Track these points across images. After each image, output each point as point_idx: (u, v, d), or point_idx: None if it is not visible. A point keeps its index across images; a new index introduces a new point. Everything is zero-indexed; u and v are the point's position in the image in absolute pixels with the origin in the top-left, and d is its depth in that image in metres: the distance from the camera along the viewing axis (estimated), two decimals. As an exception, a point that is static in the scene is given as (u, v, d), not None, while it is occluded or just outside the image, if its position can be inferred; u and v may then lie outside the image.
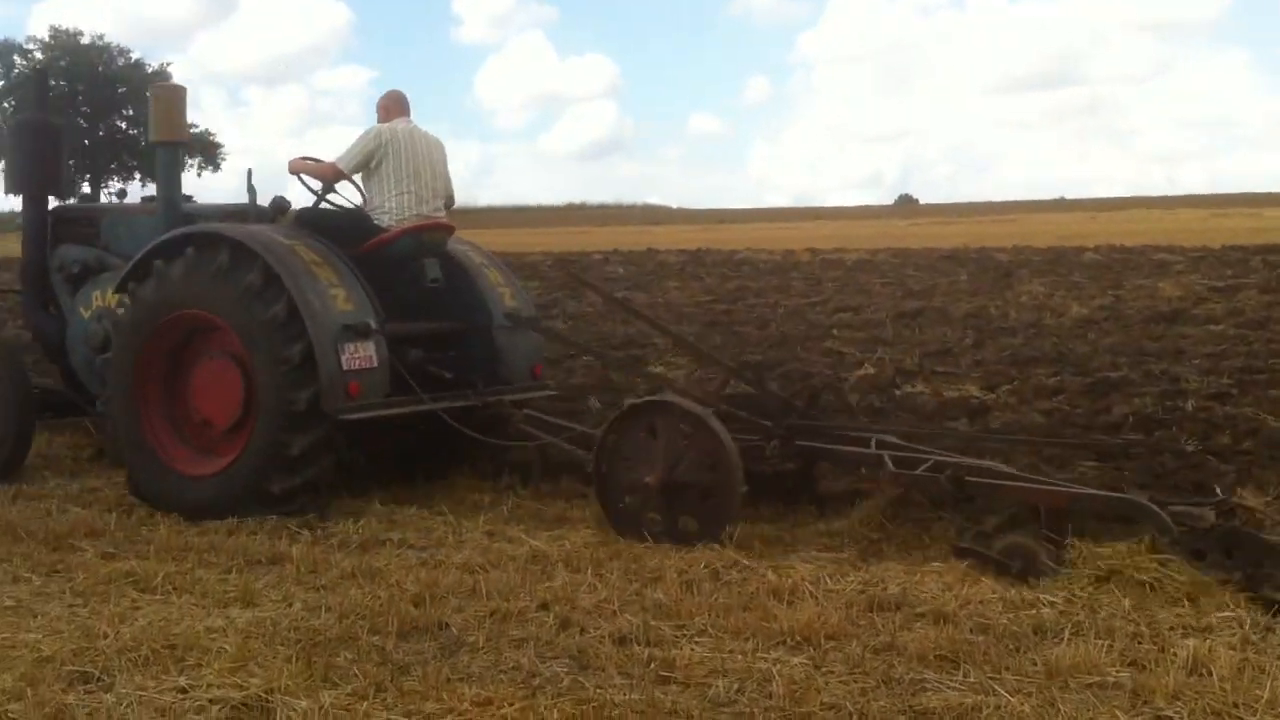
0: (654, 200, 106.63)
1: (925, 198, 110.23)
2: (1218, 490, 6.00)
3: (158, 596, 5.18)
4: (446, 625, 4.77)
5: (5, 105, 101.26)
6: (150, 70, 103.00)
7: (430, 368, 7.29)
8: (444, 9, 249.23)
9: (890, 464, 5.94)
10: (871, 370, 10.63)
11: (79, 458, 8.24)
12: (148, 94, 7.93)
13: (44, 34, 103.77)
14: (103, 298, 7.72)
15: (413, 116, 7.74)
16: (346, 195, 7.66)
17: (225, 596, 5.15)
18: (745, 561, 5.51)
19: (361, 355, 6.58)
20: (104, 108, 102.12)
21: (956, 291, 18.36)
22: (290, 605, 5.02)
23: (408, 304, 7.49)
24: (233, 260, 6.66)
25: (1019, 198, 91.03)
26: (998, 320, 14.61)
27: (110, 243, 7.91)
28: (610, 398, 9.35)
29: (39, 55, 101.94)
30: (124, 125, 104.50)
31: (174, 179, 7.90)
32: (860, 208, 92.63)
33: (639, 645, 4.53)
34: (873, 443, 6.26)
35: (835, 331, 13.78)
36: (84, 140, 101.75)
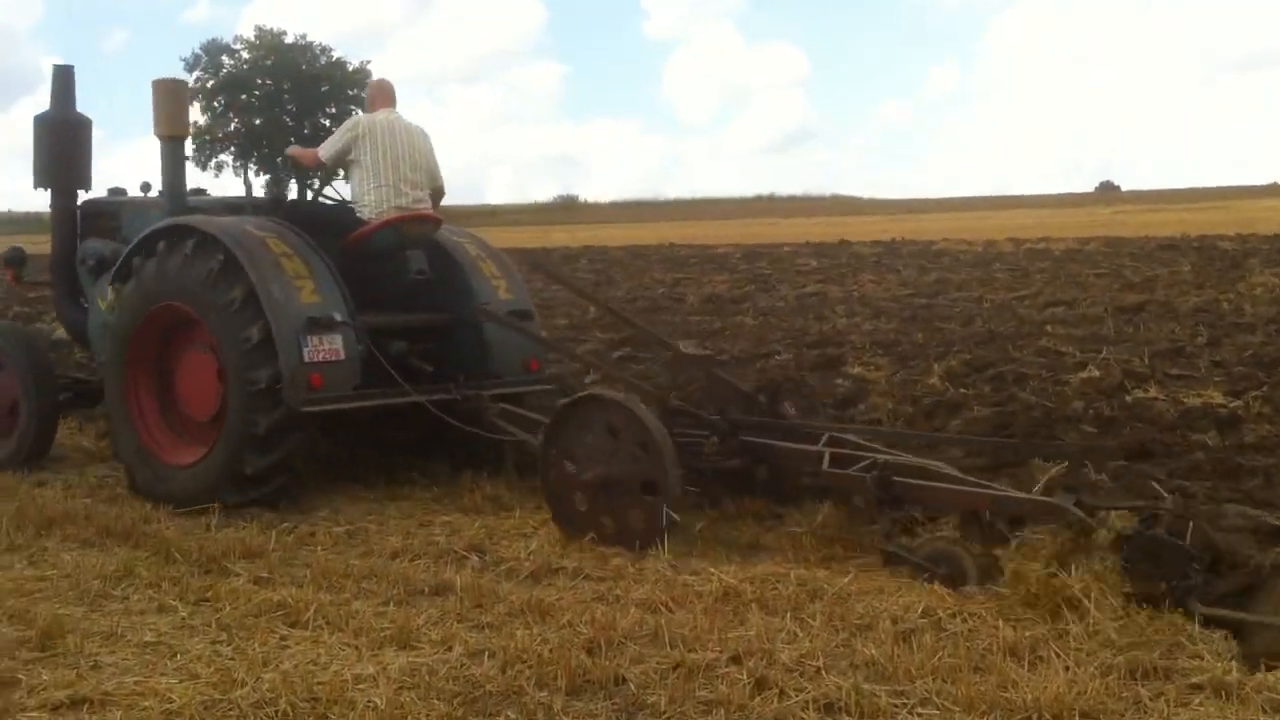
0: (844, 191, 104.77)
1: (1126, 184, 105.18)
2: (1163, 494, 5.69)
3: (308, 633, 4.67)
4: (623, 680, 4.13)
5: (215, 105, 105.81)
6: (351, 68, 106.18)
7: (412, 360, 7.22)
8: (633, 3, 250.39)
9: (826, 463, 5.72)
10: (1096, 373, 9.57)
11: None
12: (150, 87, 7.88)
13: (250, 34, 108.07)
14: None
15: (398, 107, 7.75)
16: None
17: (380, 635, 4.61)
18: (971, 610, 4.70)
19: (326, 348, 6.58)
20: (308, 105, 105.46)
21: (1180, 283, 16.94)
22: (450, 649, 4.44)
23: (395, 296, 7.52)
24: (199, 251, 6.75)
25: (1228, 183, 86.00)
26: (1231, 315, 13.26)
27: (129, 235, 7.73)
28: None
29: (245, 55, 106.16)
30: (326, 123, 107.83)
31: (178, 172, 7.90)
32: (1059, 195, 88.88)
33: (849, 716, 3.83)
34: (822, 440, 6.01)
35: (1049, 328, 12.66)
36: (290, 138, 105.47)
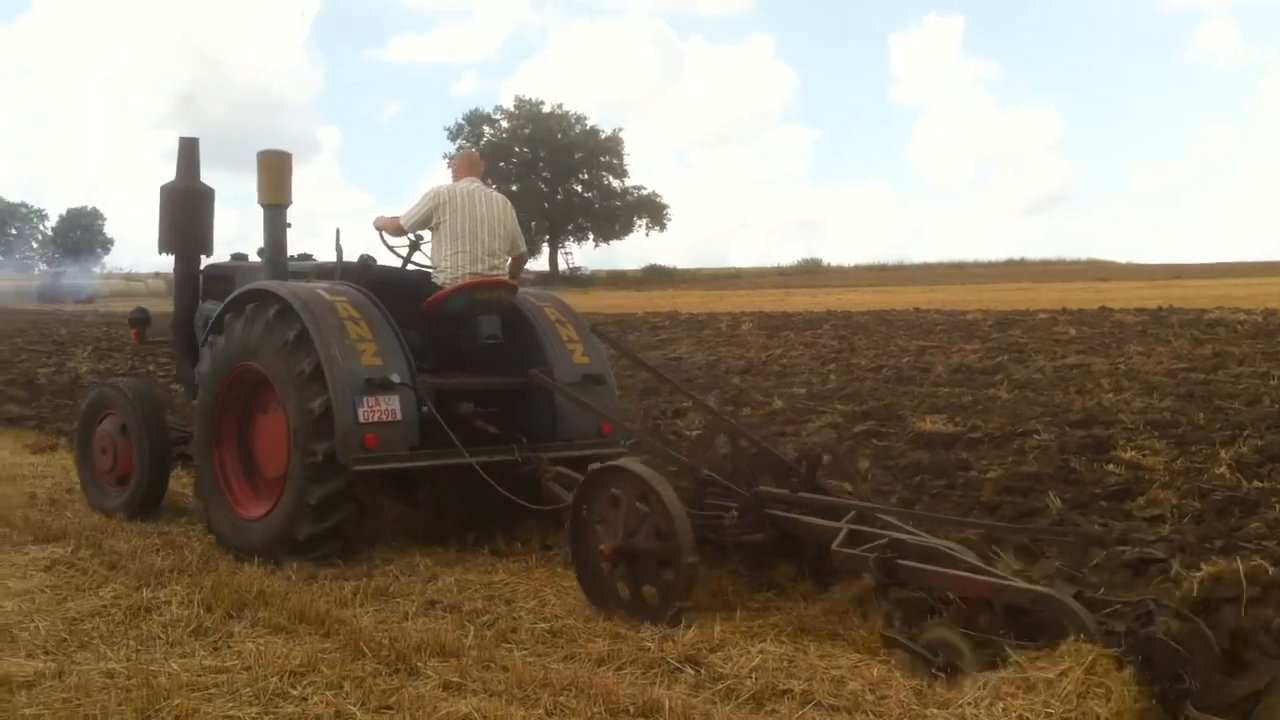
0: (1100, 255, 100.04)
1: None
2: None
3: (493, 757, 4.08)
4: None
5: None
6: (603, 136, 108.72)
7: (477, 422, 7.32)
8: (883, 68, 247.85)
9: (843, 539, 5.54)
10: None
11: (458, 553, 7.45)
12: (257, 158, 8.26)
13: (510, 104, 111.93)
14: None
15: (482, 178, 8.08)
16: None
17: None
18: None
19: (382, 409, 6.77)
20: (561, 172, 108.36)
21: None
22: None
23: (469, 359, 7.78)
24: (276, 316, 7.07)
25: None
26: None
27: None
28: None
29: (505, 124, 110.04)
30: (579, 189, 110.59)
31: (279, 238, 8.27)
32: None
33: None
34: (847, 516, 5.83)
35: (1355, 411, 11.19)
36: (543, 203, 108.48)
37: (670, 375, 8.57)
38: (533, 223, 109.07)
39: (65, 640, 5.43)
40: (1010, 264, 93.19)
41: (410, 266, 8.20)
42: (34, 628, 5.58)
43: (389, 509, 7.99)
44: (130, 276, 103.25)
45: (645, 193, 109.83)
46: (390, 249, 8.18)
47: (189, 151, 8.79)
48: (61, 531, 7.59)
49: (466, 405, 7.35)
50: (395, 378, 6.88)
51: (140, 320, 9.35)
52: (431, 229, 7.78)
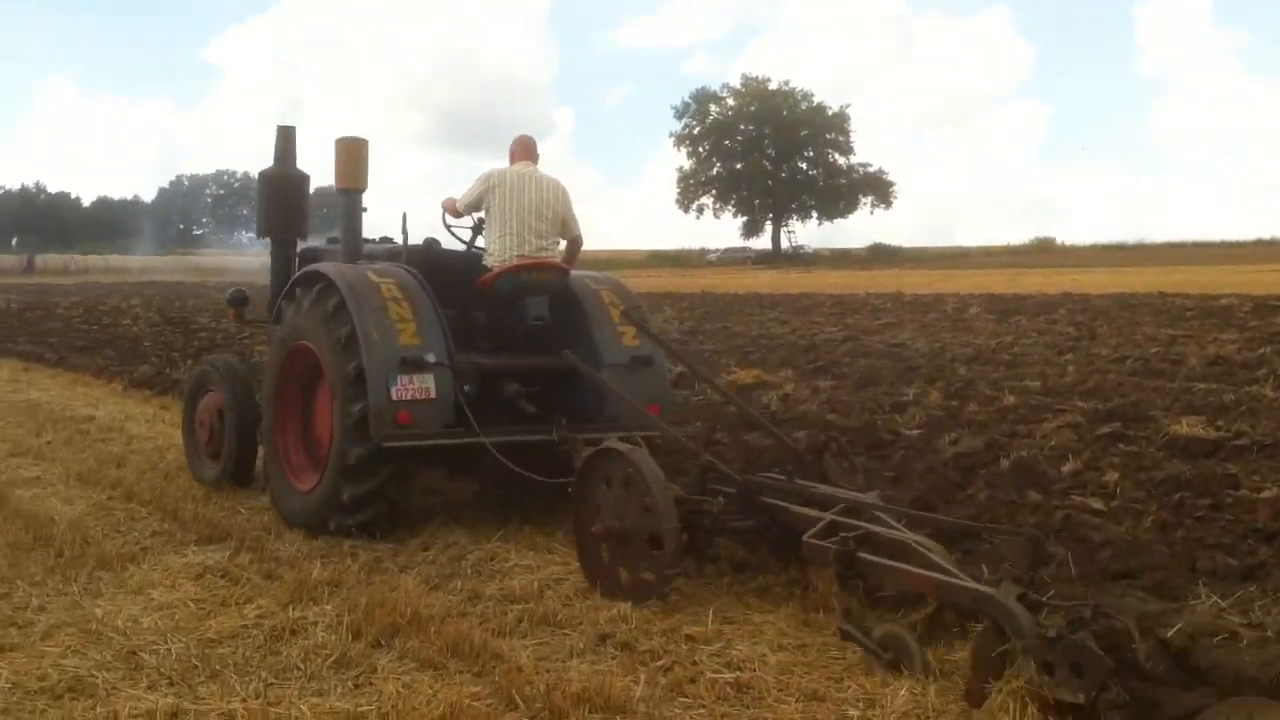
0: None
1: None
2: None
3: None
4: None
5: (700, 150, 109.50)
6: (830, 113, 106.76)
7: (520, 402, 7.54)
8: (1126, 39, 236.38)
9: (820, 530, 5.52)
10: None
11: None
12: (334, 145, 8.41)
13: (737, 82, 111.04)
14: None
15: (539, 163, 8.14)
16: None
17: None
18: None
19: (416, 387, 6.95)
20: (786, 150, 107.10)
21: None
22: None
23: (519, 340, 7.91)
24: (322, 294, 7.39)
25: None
26: None
27: None
28: None
29: (731, 102, 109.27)
30: (804, 166, 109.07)
31: (354, 222, 8.45)
32: None
33: None
34: (837, 508, 5.81)
35: None
36: (767, 181, 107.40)
37: (687, 358, 8.67)
38: (756, 201, 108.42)
39: (194, 669, 4.86)
40: (1260, 244, 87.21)
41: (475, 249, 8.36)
42: (165, 651, 5.04)
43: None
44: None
45: (871, 170, 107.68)
46: (451, 232, 8.47)
47: (286, 139, 9.06)
48: (226, 531, 7.15)
49: (512, 385, 7.57)
50: (430, 357, 7.05)
51: (239, 301, 9.50)
52: (485, 212, 7.96)
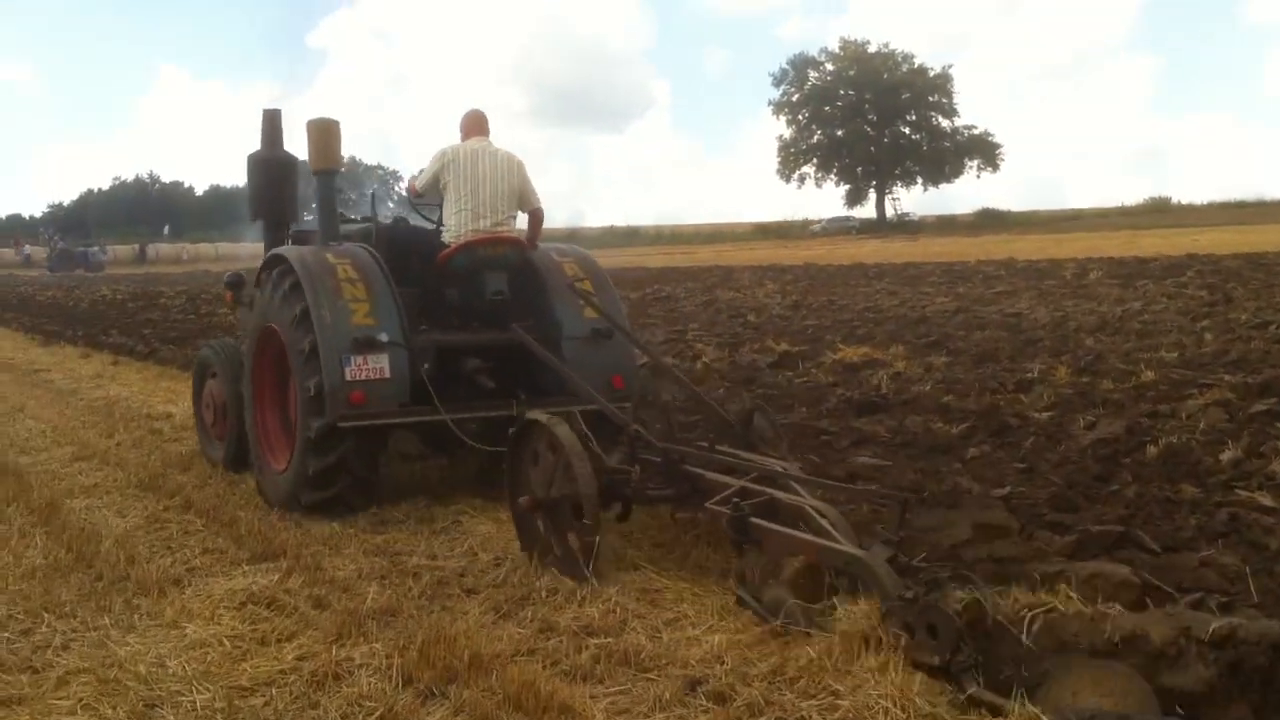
0: None
1: None
2: None
3: None
4: None
5: (800, 117, 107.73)
6: (932, 74, 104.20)
7: (479, 378, 7.57)
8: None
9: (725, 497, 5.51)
10: None
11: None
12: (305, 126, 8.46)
13: (834, 46, 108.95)
14: None
15: (492, 136, 8.20)
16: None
17: None
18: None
19: (370, 367, 7.02)
20: (888, 114, 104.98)
21: None
22: None
23: (480, 316, 7.97)
24: (281, 276, 7.55)
25: None
26: None
27: None
28: None
29: (829, 67, 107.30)
30: (907, 130, 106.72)
31: (329, 203, 8.55)
32: None
33: None
34: (751, 475, 5.81)
35: None
36: (869, 147, 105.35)
37: (622, 324, 8.02)
38: (859, 169, 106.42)
39: (217, 728, 4.20)
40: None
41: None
42: (189, 704, 4.36)
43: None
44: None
45: (976, 132, 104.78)
46: (418, 211, 8.60)
47: (272, 122, 9.13)
48: (282, 548, 6.46)
49: (473, 361, 7.61)
50: (383, 337, 7.09)
51: (235, 283, 9.65)
52: (441, 190, 7.94)
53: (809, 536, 5.00)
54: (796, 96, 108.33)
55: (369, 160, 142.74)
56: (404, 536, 6.77)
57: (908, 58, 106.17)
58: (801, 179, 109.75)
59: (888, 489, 5.99)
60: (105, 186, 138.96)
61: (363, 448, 7.12)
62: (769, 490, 5.56)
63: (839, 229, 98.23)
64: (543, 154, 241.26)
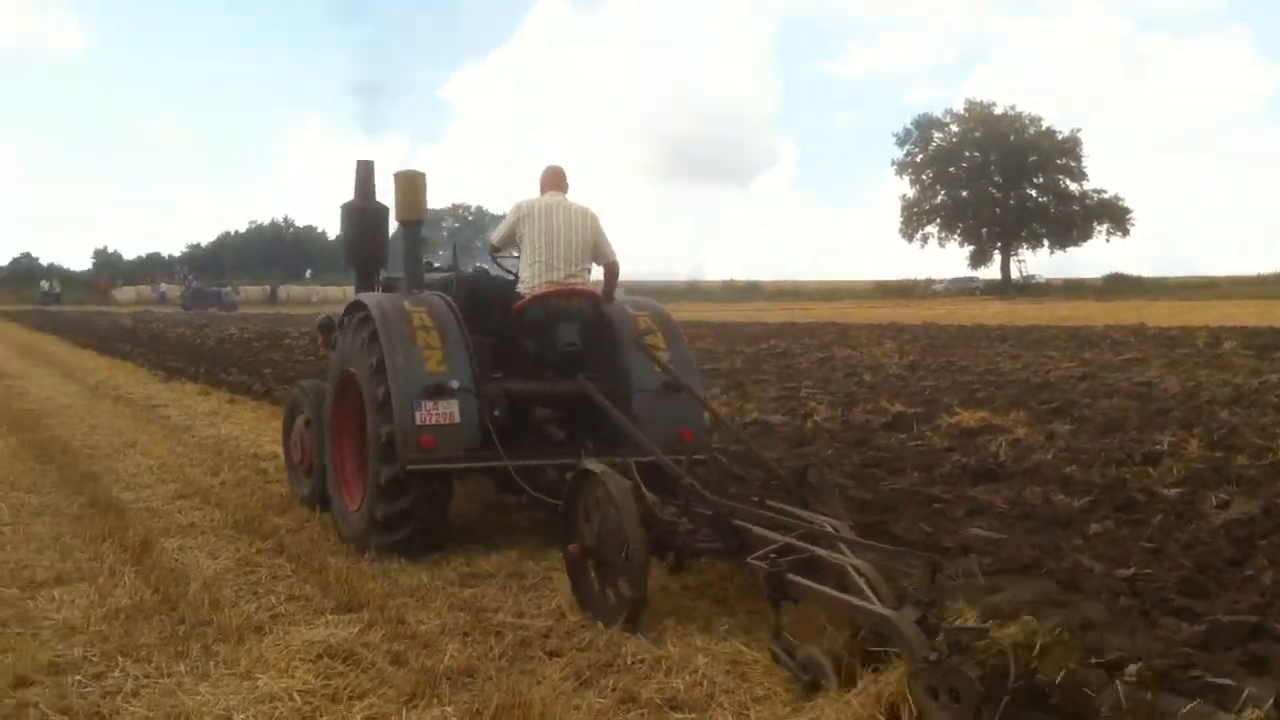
0: None
1: None
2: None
3: None
4: None
5: (924, 178, 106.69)
6: (1060, 137, 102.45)
7: (550, 428, 7.99)
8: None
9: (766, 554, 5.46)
10: None
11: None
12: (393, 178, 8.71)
13: (960, 108, 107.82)
14: None
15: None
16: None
17: None
18: None
19: (440, 412, 7.17)
20: (1014, 176, 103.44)
21: None
22: None
23: (550, 366, 8.05)
24: (362, 323, 7.78)
25: None
26: None
27: None
28: None
29: (954, 128, 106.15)
30: (1034, 193, 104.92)
31: (415, 252, 8.74)
32: None
33: None
34: (797, 532, 5.74)
35: None
36: (995, 208, 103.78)
37: (688, 379, 8.08)
38: (983, 229, 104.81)
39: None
40: None
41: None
42: (249, 761, 4.20)
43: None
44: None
45: (1106, 196, 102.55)
46: (497, 262, 8.87)
47: (365, 174, 9.39)
48: (367, 597, 6.29)
49: (543, 411, 7.98)
50: (454, 383, 7.26)
51: (327, 327, 9.85)
52: (517, 243, 8.17)
53: (841, 595, 4.97)
54: (921, 157, 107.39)
55: (495, 210, 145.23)
56: (492, 591, 6.57)
57: (1035, 120, 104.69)
58: (924, 239, 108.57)
59: (922, 551, 5.71)
60: (241, 229, 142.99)
61: (431, 493, 7.28)
62: (811, 547, 5.49)
63: (961, 289, 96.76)
64: (666, 209, 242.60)
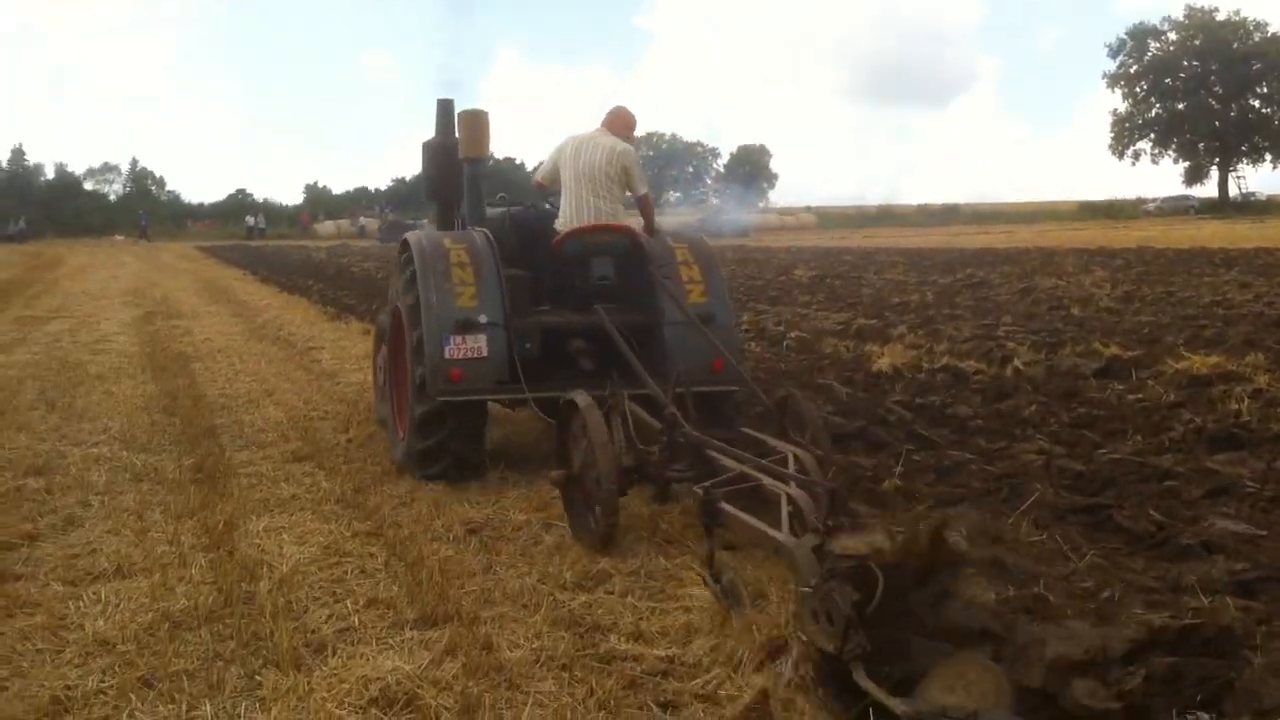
0: None
1: None
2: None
3: None
4: None
5: (1137, 90, 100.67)
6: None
7: (582, 360, 7.92)
8: None
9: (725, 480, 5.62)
10: None
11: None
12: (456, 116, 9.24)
13: (1178, 14, 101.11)
14: None
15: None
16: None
17: None
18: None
19: (469, 346, 7.51)
20: (1236, 86, 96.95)
21: None
22: None
23: (586, 299, 8.14)
24: (406, 262, 8.21)
25: None
26: None
27: None
28: None
29: (1172, 36, 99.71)
30: (1257, 104, 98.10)
31: (477, 188, 9.22)
32: None
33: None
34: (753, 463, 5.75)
35: None
36: (1214, 121, 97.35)
37: (715, 309, 8.06)
38: (1200, 144, 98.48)
39: None
40: None
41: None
42: None
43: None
44: (783, 211, 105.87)
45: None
46: (544, 199, 9.20)
47: (445, 112, 9.53)
48: (456, 608, 5.19)
49: (577, 342, 7.95)
50: (483, 318, 7.53)
51: None
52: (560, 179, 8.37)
53: (754, 522, 5.00)
54: (1135, 68, 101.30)
55: (689, 137, 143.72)
56: (610, 600, 5.38)
57: (1260, 26, 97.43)
58: (1136, 155, 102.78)
59: (818, 480, 5.46)
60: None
61: (463, 427, 7.59)
62: (760, 476, 5.50)
63: (1175, 209, 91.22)
64: (861, 131, 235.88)
